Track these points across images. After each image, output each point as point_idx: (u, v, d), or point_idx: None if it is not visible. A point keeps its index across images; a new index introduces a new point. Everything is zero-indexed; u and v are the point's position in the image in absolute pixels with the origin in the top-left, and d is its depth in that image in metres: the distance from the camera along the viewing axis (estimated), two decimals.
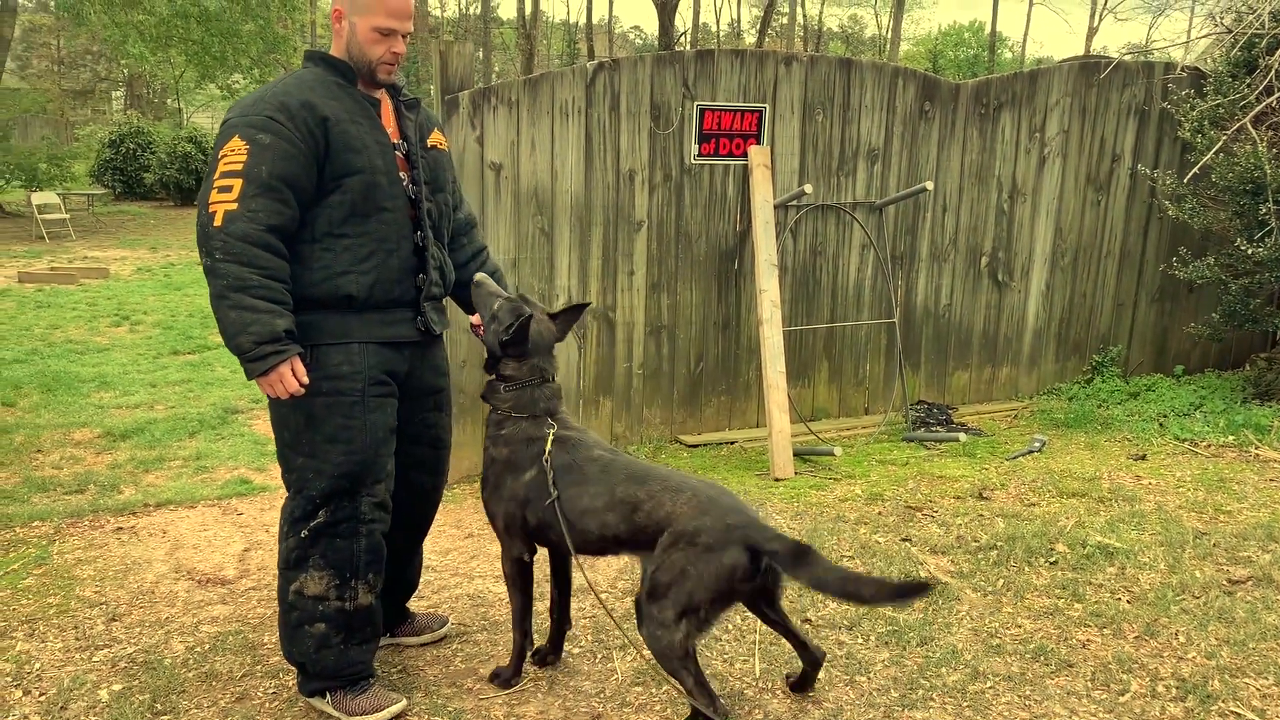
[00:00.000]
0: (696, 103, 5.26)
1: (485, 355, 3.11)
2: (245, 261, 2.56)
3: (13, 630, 3.62)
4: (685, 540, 2.59)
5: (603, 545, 2.82)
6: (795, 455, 5.10)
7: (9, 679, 3.28)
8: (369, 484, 2.84)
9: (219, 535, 4.56)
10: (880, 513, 4.57)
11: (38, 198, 17.23)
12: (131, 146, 21.88)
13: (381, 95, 2.91)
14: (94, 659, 3.40)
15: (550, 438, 2.88)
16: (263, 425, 6.29)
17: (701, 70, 5.24)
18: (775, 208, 5.36)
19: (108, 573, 4.12)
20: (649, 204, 5.27)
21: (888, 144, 5.76)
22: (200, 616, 3.69)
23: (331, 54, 2.84)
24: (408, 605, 3.45)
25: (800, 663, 3.02)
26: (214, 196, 2.59)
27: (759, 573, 2.63)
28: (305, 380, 2.68)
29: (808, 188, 5.29)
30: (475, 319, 3.10)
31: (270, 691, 3.13)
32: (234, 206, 2.56)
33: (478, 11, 45.99)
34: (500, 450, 2.96)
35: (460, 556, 4.26)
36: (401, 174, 2.86)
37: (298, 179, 2.65)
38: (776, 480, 4.98)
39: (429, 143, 3.00)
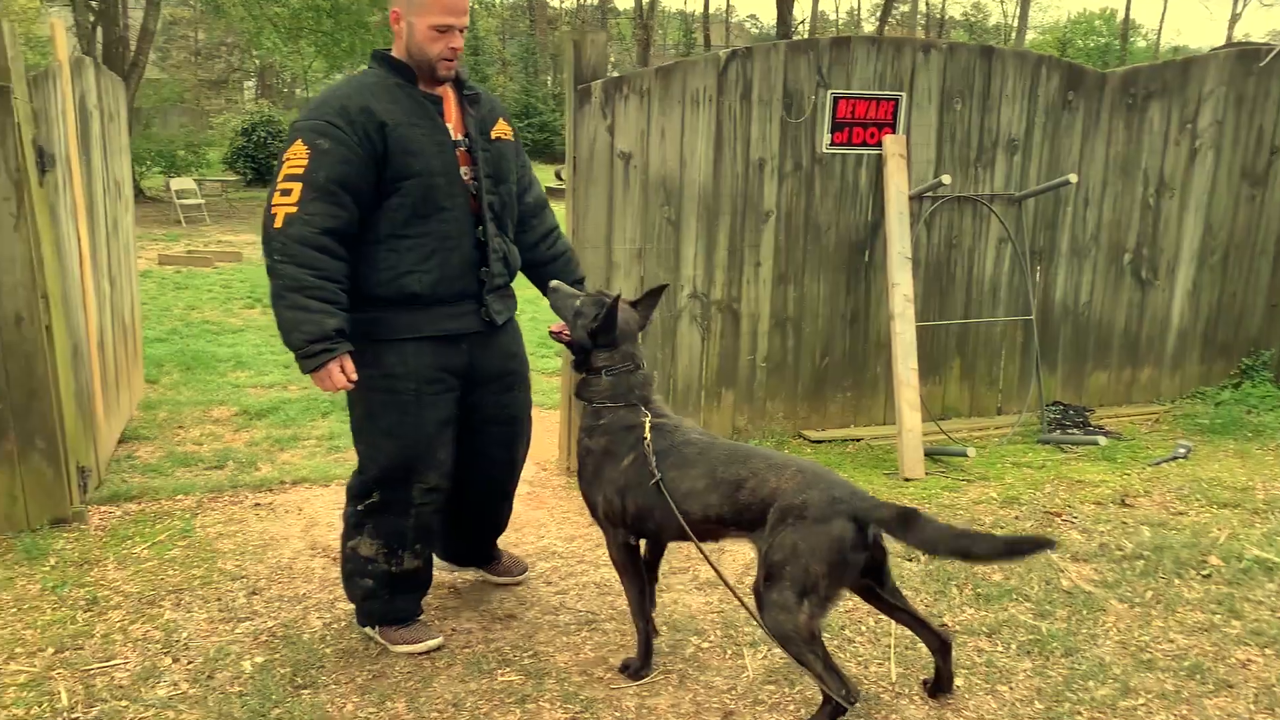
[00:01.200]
0: (830, 91, 5.14)
1: (572, 357, 3.14)
2: (301, 263, 2.70)
3: (161, 599, 3.76)
4: (793, 515, 2.59)
5: (706, 528, 2.81)
6: (926, 455, 4.96)
7: (159, 646, 3.40)
8: (420, 473, 3.04)
9: None
10: (1017, 517, 4.41)
11: (176, 183, 18.00)
12: (263, 135, 22.65)
13: (445, 91, 2.99)
14: (237, 630, 3.51)
15: (648, 424, 2.90)
16: None
17: (836, 58, 5.12)
18: (910, 199, 5.21)
19: (247, 547, 4.25)
20: (778, 194, 5.19)
21: (1028, 135, 5.54)
22: (336, 594, 3.77)
23: (393, 54, 2.92)
24: (497, 544, 3.73)
25: (929, 653, 2.93)
26: (276, 199, 2.73)
27: (867, 544, 2.62)
28: (354, 377, 2.82)
29: (946, 178, 5.12)
30: (554, 325, 3.12)
31: (405, 670, 3.18)
32: (293, 210, 2.69)
33: (595, 2, 46.28)
34: (598, 440, 3.00)
35: (585, 544, 4.26)
36: (464, 169, 2.95)
37: (355, 183, 2.76)
38: (906, 480, 4.85)
39: (493, 134, 3.06)
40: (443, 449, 3.08)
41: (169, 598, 3.78)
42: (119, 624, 3.57)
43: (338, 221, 2.76)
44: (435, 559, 3.50)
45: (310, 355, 2.75)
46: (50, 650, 3.38)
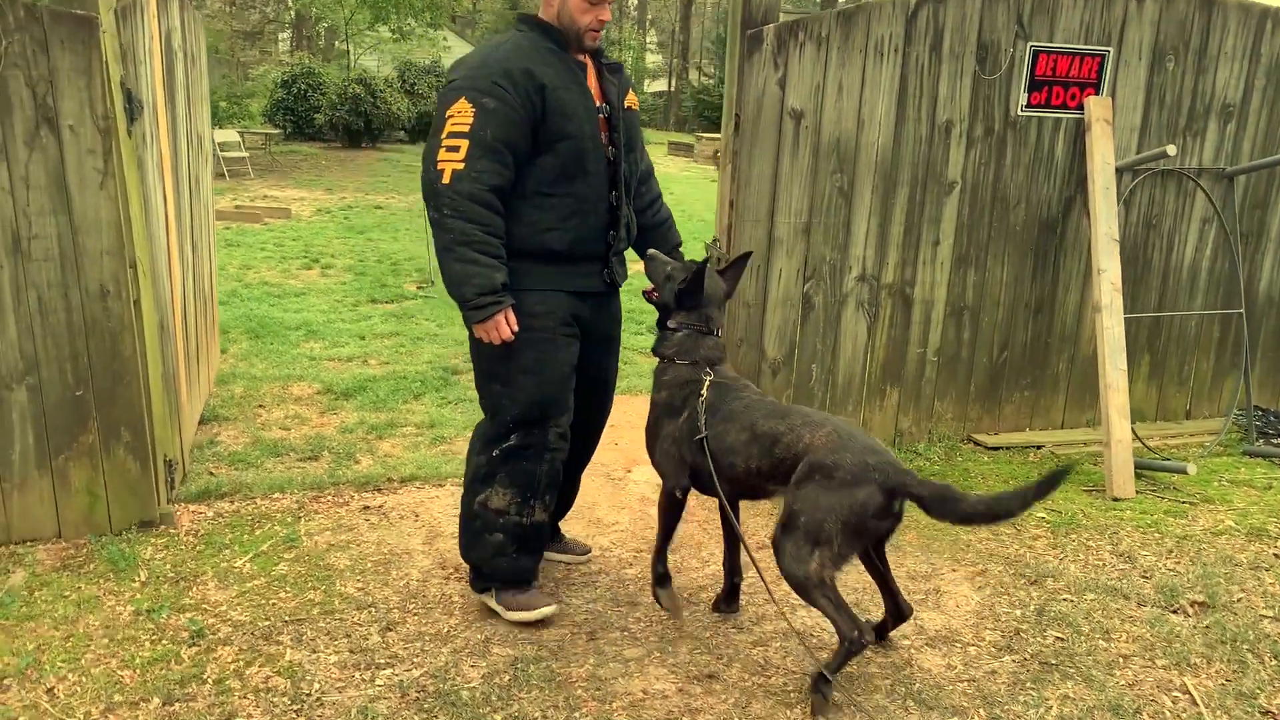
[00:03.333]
0: (1030, 43, 4.43)
1: (657, 316, 3.19)
2: (470, 218, 2.78)
3: (278, 632, 3.17)
4: (822, 473, 2.65)
5: (748, 482, 2.88)
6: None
7: (286, 700, 2.81)
8: (555, 414, 3.09)
9: None
10: (1277, 554, 3.74)
11: (219, 135, 17.37)
12: (303, 87, 22.01)
13: (586, 59, 3.05)
14: (377, 682, 2.90)
15: (707, 382, 2.97)
16: None
17: (1039, 4, 4.40)
18: (1117, 171, 4.50)
19: (366, 564, 3.65)
20: (964, 162, 4.49)
21: (1245, 99, 4.81)
22: (487, 633, 3.16)
23: (544, 19, 2.98)
24: (559, 525, 3.71)
25: (885, 614, 3.03)
26: (442, 155, 2.79)
27: (893, 514, 2.68)
28: (516, 328, 2.91)
29: (1171, 149, 4.40)
30: (647, 287, 3.21)
31: None
32: (461, 166, 2.76)
33: None
34: (660, 395, 3.10)
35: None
36: (602, 135, 3.02)
37: (517, 143, 2.84)
38: (1115, 500, 4.19)
39: (625, 104, 3.13)
40: (570, 394, 3.15)
41: (287, 630, 3.18)
42: (233, 666, 2.98)
43: (502, 179, 2.83)
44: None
45: (480, 307, 2.84)
46: (157, 701, 2.79)
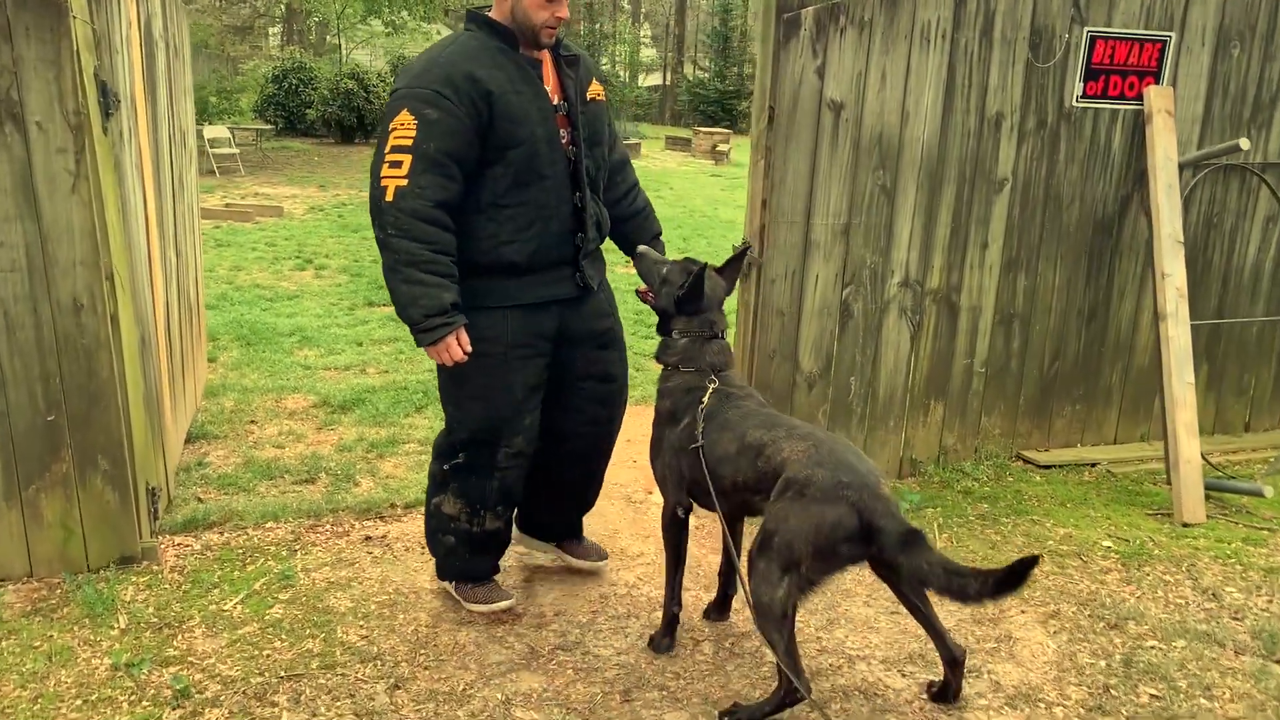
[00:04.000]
0: (1087, 29, 4.08)
1: (657, 320, 3.06)
2: (415, 237, 2.67)
3: (273, 690, 2.82)
4: (795, 489, 2.48)
5: (737, 496, 2.73)
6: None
7: None
8: (506, 437, 3.02)
9: None
10: None
11: (209, 132, 16.95)
12: (294, 82, 21.55)
13: (542, 54, 2.92)
14: None
15: (710, 390, 2.85)
16: None
17: None
18: (1180, 167, 4.16)
19: (369, 606, 3.30)
20: (1015, 157, 4.14)
21: None
22: (508, 691, 2.81)
23: (493, 17, 2.84)
24: (582, 523, 3.59)
25: (942, 664, 2.74)
26: (385, 171, 2.67)
27: (868, 540, 2.40)
28: (469, 349, 2.82)
29: (1244, 142, 4.07)
30: (640, 288, 3.09)
31: None
32: (404, 183, 2.65)
33: None
34: (663, 403, 2.98)
35: (819, 617, 3.29)
36: (562, 133, 2.90)
37: (463, 153, 2.73)
38: (1185, 526, 3.85)
39: (588, 96, 3.01)
40: (529, 414, 3.06)
41: (283, 688, 2.83)
42: None
43: (448, 194, 2.73)
44: (516, 534, 3.49)
45: (428, 329, 2.75)
46: None
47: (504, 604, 3.23)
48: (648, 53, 50.58)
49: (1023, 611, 3.25)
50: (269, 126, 21.08)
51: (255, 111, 22.29)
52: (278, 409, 5.34)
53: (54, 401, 3.30)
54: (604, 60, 37.38)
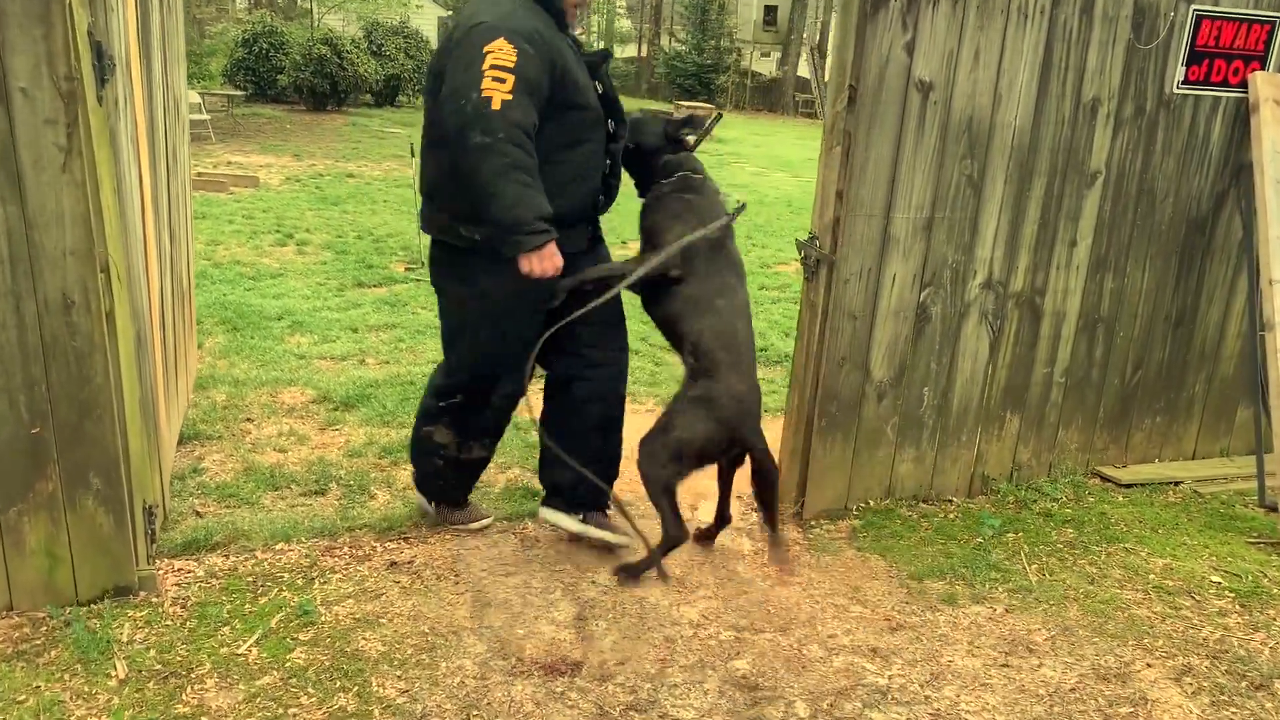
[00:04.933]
0: (1193, 6, 3.70)
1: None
2: (523, 146, 2.72)
3: None
4: (700, 398, 3.16)
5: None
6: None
7: None
8: (503, 382, 3.22)
9: (531, 585, 3.30)
10: None
11: None
12: (264, 46, 20.83)
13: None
14: None
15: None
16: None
17: None
18: None
19: (405, 649, 2.89)
20: (1110, 147, 3.77)
21: None
22: None
23: None
24: (611, 494, 3.52)
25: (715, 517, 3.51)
26: (488, 84, 2.69)
27: (739, 450, 3.22)
28: (561, 263, 2.88)
29: None
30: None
31: None
32: (509, 97, 2.69)
33: None
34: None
35: (899, 663, 2.92)
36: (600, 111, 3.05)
37: (543, 95, 2.82)
38: None
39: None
40: (527, 363, 3.20)
41: None
42: None
43: (535, 122, 2.81)
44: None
45: (536, 232, 2.78)
46: None
47: (487, 520, 3.60)
48: (623, 23, 49.84)
49: (1149, 665, 2.90)
50: (239, 92, 20.34)
51: (225, 76, 21.53)
52: (275, 405, 4.89)
53: (40, 413, 2.84)
54: (578, 32, 36.71)
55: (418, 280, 7.71)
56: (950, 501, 3.94)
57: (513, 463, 4.30)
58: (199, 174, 12.63)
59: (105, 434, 2.92)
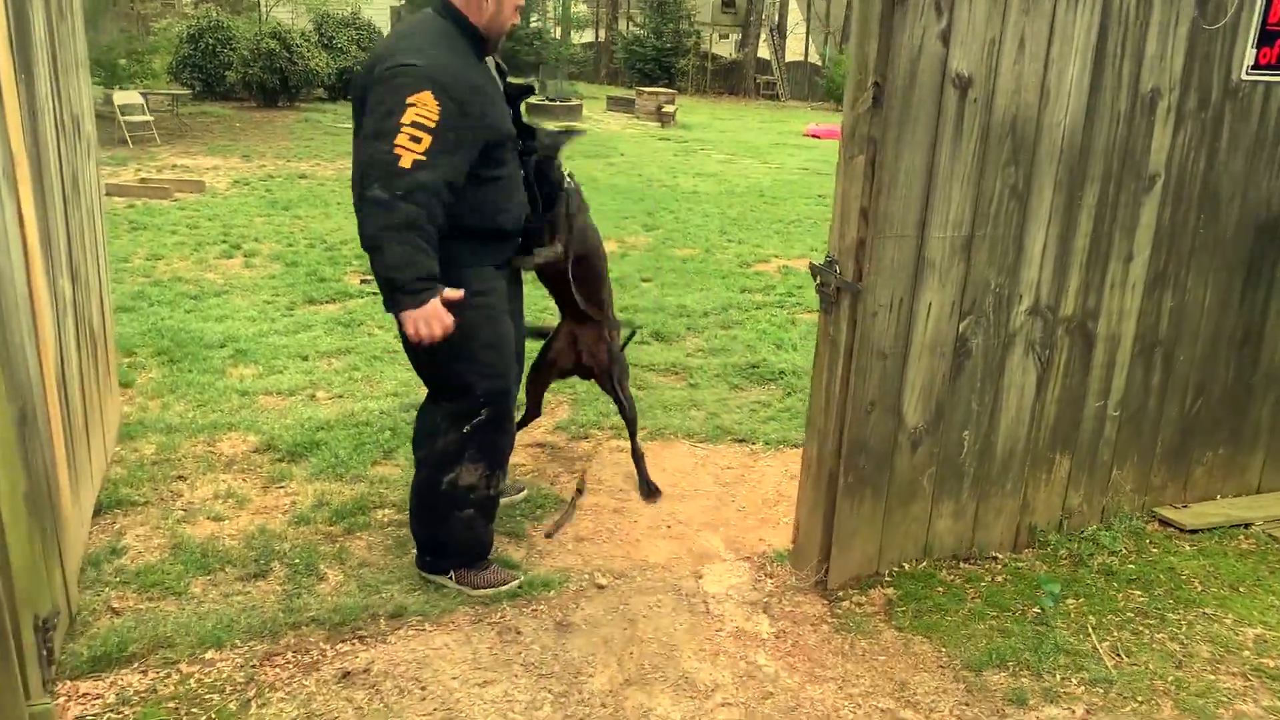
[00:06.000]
0: None
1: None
2: (421, 205, 2.73)
3: None
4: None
5: None
6: None
7: None
8: (513, 386, 3.25)
9: (514, 697, 2.74)
10: None
11: (119, 97, 15.42)
12: (210, 42, 19.97)
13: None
14: None
15: None
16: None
17: None
18: None
19: None
20: (1169, 146, 3.25)
21: None
22: None
23: (468, 18, 2.97)
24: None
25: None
26: (402, 142, 2.71)
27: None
28: (449, 319, 2.86)
29: None
30: None
31: None
32: (423, 158, 2.72)
33: None
34: None
35: None
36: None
37: (472, 148, 2.87)
38: None
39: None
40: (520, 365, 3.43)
41: None
42: None
43: (459, 177, 2.84)
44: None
45: (415, 292, 2.78)
46: None
47: (515, 583, 3.28)
48: (580, 8, 49.03)
49: None
50: (185, 90, 19.49)
51: (170, 74, 20.64)
52: (212, 456, 4.29)
53: None
54: (534, 17, 35.95)
55: (374, 294, 7.09)
56: (995, 559, 3.42)
57: None
58: (141, 180, 11.92)
59: None
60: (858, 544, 3.22)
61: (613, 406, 4.99)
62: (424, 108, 2.73)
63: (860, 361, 3.02)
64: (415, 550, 3.36)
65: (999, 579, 3.31)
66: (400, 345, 3.35)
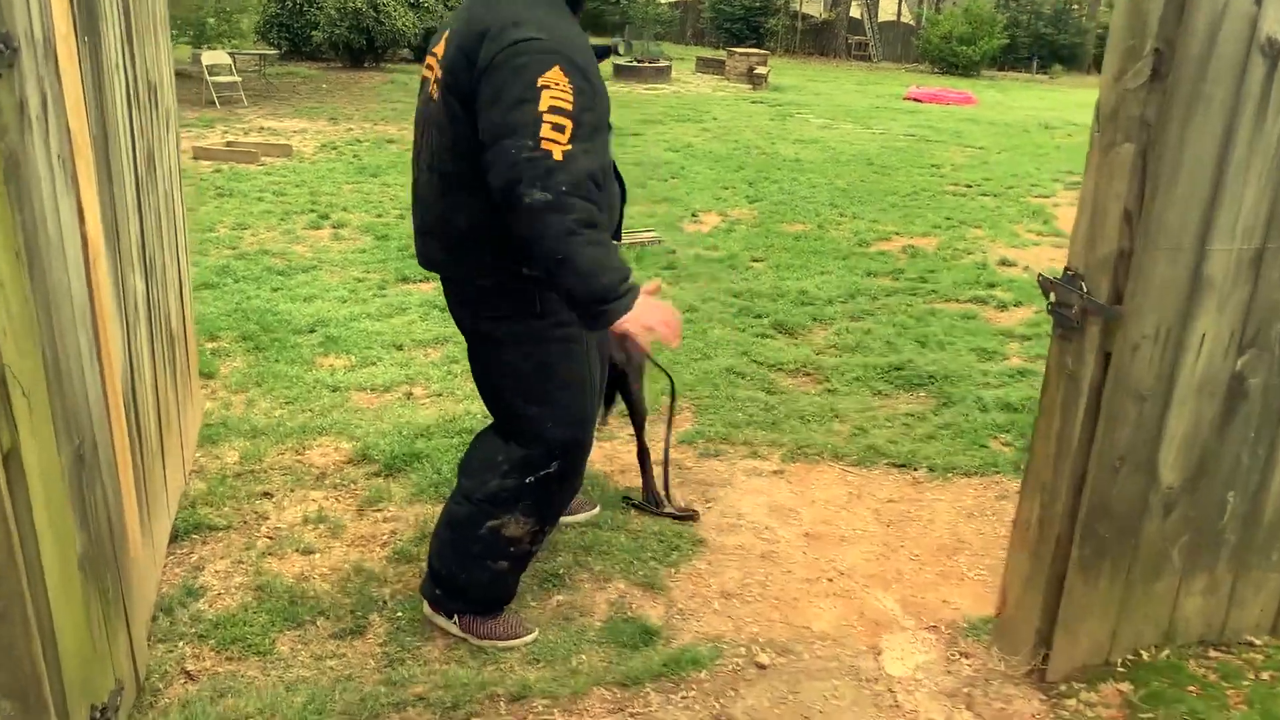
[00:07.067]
0: None
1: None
2: (589, 199, 2.29)
3: None
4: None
5: None
6: None
7: None
8: (592, 432, 2.73)
9: None
10: None
11: (207, 57, 15.17)
12: (298, 1, 19.67)
13: None
14: None
15: None
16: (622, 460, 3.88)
17: None
18: None
19: None
20: None
21: None
22: None
23: None
24: None
25: None
26: (546, 134, 2.24)
27: None
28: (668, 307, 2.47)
29: None
30: None
31: None
32: (569, 147, 2.26)
33: None
34: None
35: None
36: None
37: (604, 122, 2.48)
38: None
39: None
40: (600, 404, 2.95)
41: None
42: None
43: (603, 162, 2.42)
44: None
45: (624, 294, 2.29)
46: None
47: (532, 635, 2.83)
48: None
49: None
50: (273, 50, 19.26)
51: (257, 34, 20.44)
52: (300, 468, 3.81)
53: None
54: None
55: None
56: (1251, 644, 2.77)
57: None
58: (229, 143, 11.62)
59: (16, 647, 1.82)
60: (1087, 627, 2.58)
61: (742, 415, 4.42)
62: (558, 89, 2.27)
63: (1112, 405, 2.37)
64: (426, 571, 2.87)
65: (1264, 675, 2.65)
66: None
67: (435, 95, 2.45)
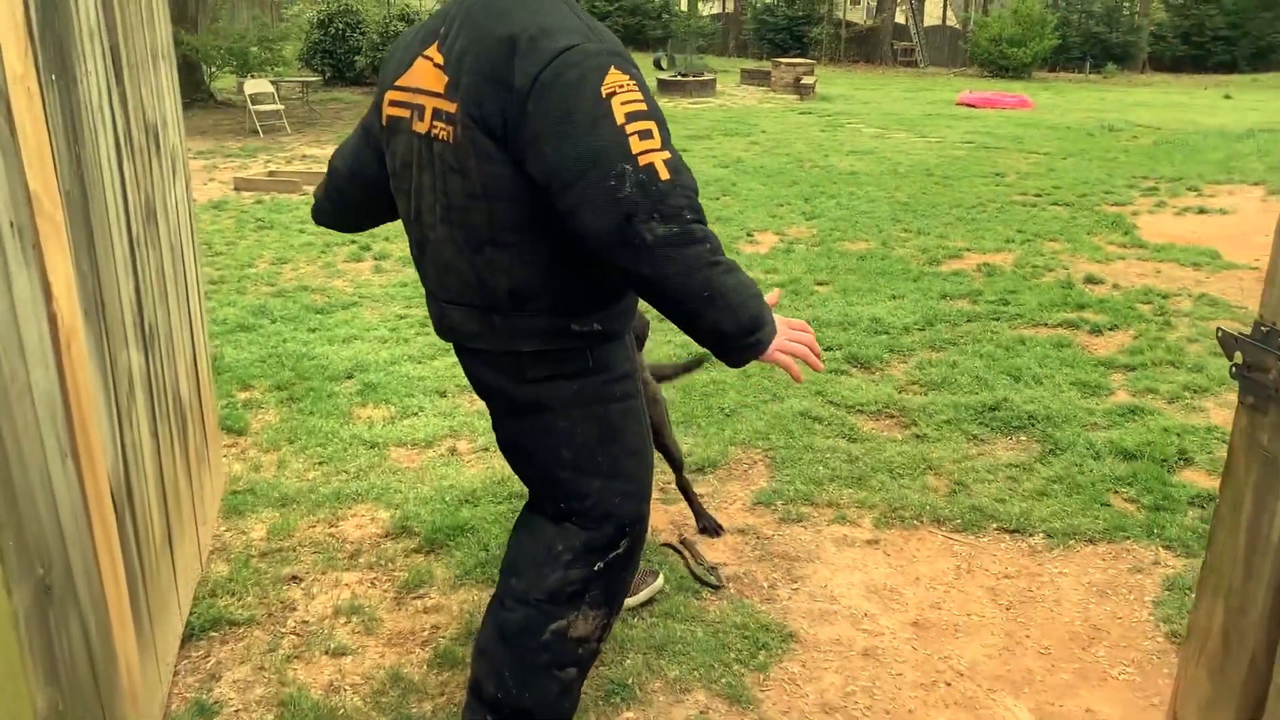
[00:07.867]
0: None
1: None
2: (704, 218, 1.93)
3: None
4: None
5: None
6: None
7: None
8: (650, 500, 2.39)
9: None
10: None
11: (250, 86, 15.06)
12: (340, 27, 19.65)
13: None
14: None
15: None
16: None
17: None
18: None
19: None
20: None
21: None
22: None
23: None
24: None
25: None
26: (636, 146, 1.85)
27: None
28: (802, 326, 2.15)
29: None
30: None
31: None
32: (666, 154, 1.89)
33: None
34: None
35: None
36: None
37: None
38: None
39: None
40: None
41: None
42: None
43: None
44: None
45: (768, 320, 1.97)
46: None
47: None
48: None
49: None
50: (316, 77, 19.19)
51: (301, 61, 20.43)
52: (333, 544, 3.41)
53: None
54: None
55: None
56: None
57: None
58: (270, 173, 11.46)
59: None
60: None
61: (824, 469, 3.95)
62: (626, 91, 1.89)
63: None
64: (469, 697, 2.37)
65: None
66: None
67: (446, 134, 1.98)
